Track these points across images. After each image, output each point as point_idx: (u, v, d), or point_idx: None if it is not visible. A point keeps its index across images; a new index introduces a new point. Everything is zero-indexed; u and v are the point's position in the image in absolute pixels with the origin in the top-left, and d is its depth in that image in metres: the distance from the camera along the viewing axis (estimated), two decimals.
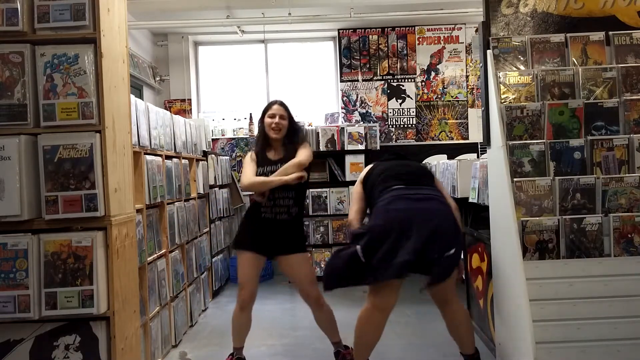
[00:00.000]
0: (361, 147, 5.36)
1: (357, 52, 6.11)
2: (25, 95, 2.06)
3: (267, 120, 2.94)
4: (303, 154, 2.87)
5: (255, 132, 5.97)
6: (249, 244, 2.87)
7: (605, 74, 2.57)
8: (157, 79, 6.05)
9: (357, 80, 6.11)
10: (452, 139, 6.06)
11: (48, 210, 2.05)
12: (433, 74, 6.10)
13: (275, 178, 2.79)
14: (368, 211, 2.82)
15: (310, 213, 5.32)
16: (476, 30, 5.30)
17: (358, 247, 2.43)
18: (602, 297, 2.26)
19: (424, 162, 5.02)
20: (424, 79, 6.09)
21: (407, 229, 2.36)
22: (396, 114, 6.08)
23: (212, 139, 5.88)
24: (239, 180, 6.03)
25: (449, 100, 6.09)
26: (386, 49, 6.10)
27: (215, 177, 4.92)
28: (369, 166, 2.91)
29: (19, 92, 2.06)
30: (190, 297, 3.85)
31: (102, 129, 2.09)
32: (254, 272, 2.88)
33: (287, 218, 2.86)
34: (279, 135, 2.92)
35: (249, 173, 2.88)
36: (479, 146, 5.47)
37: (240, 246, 2.93)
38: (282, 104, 2.99)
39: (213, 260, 4.72)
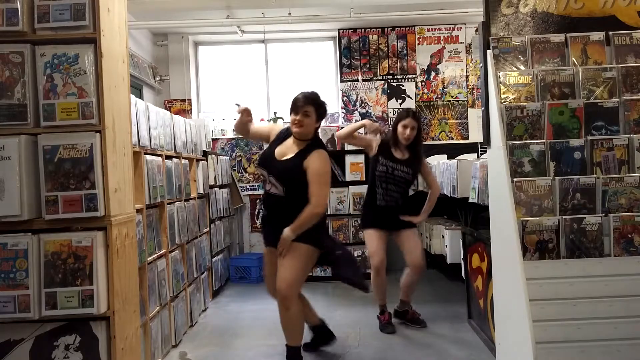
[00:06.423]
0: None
1: (357, 52, 6.11)
2: (25, 95, 2.06)
3: (400, 129, 3.50)
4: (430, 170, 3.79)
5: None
6: (371, 223, 3.62)
7: (605, 74, 2.56)
8: (157, 79, 6.05)
9: (357, 80, 6.11)
10: (452, 139, 6.06)
11: (48, 210, 2.05)
12: (433, 74, 6.10)
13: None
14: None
15: None
16: (476, 30, 5.31)
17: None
18: (602, 297, 2.25)
19: None
20: (424, 79, 6.09)
21: None
22: (396, 114, 6.07)
23: (212, 139, 5.87)
24: (239, 180, 6.03)
25: (449, 100, 6.09)
26: (386, 49, 6.10)
27: (215, 177, 4.92)
28: None
29: (19, 92, 2.06)
30: (190, 297, 3.85)
31: (102, 129, 2.09)
32: (381, 244, 3.55)
33: (394, 205, 3.55)
34: (408, 143, 3.53)
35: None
36: (479, 146, 5.48)
37: (365, 226, 3.69)
38: (414, 116, 3.54)
39: (213, 260, 4.72)
